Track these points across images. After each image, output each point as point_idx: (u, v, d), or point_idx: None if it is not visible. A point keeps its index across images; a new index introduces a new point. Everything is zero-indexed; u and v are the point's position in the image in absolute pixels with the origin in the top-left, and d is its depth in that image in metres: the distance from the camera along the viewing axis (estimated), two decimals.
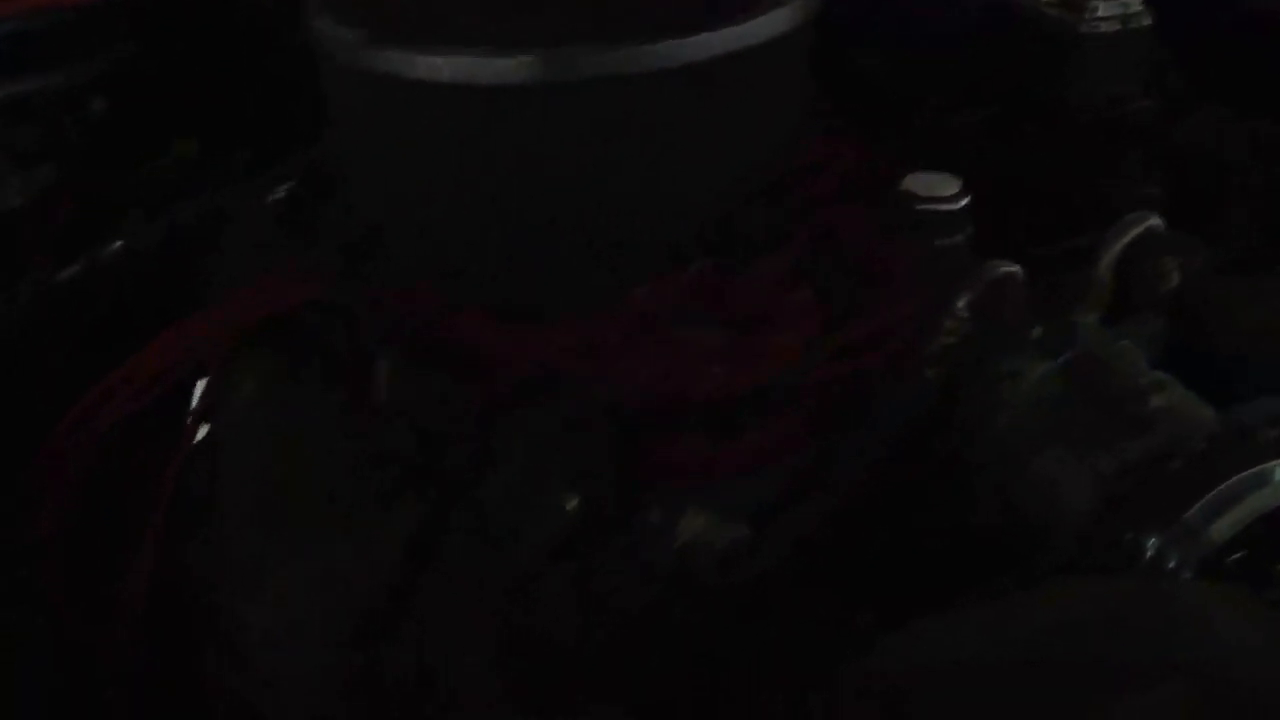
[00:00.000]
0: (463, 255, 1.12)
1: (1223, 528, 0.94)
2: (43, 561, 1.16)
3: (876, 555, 1.03)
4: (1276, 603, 0.94)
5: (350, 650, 1.02)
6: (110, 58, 1.42)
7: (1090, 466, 1.00)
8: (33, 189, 1.38)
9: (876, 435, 1.04)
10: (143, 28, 1.44)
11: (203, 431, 1.15)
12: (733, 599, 0.98)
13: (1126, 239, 1.14)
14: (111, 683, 1.12)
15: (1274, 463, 0.95)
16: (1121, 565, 0.94)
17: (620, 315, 1.06)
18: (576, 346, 1.05)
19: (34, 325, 1.30)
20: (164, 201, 1.33)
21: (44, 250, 1.34)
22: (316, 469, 1.06)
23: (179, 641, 1.12)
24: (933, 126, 1.33)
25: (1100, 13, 1.28)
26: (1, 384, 1.26)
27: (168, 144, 1.41)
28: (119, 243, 1.31)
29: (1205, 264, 1.15)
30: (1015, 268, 1.08)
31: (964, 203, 1.12)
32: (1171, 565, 0.93)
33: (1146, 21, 1.29)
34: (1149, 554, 0.93)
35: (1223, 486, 0.94)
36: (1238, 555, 0.95)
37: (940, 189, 1.12)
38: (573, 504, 0.99)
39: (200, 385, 1.15)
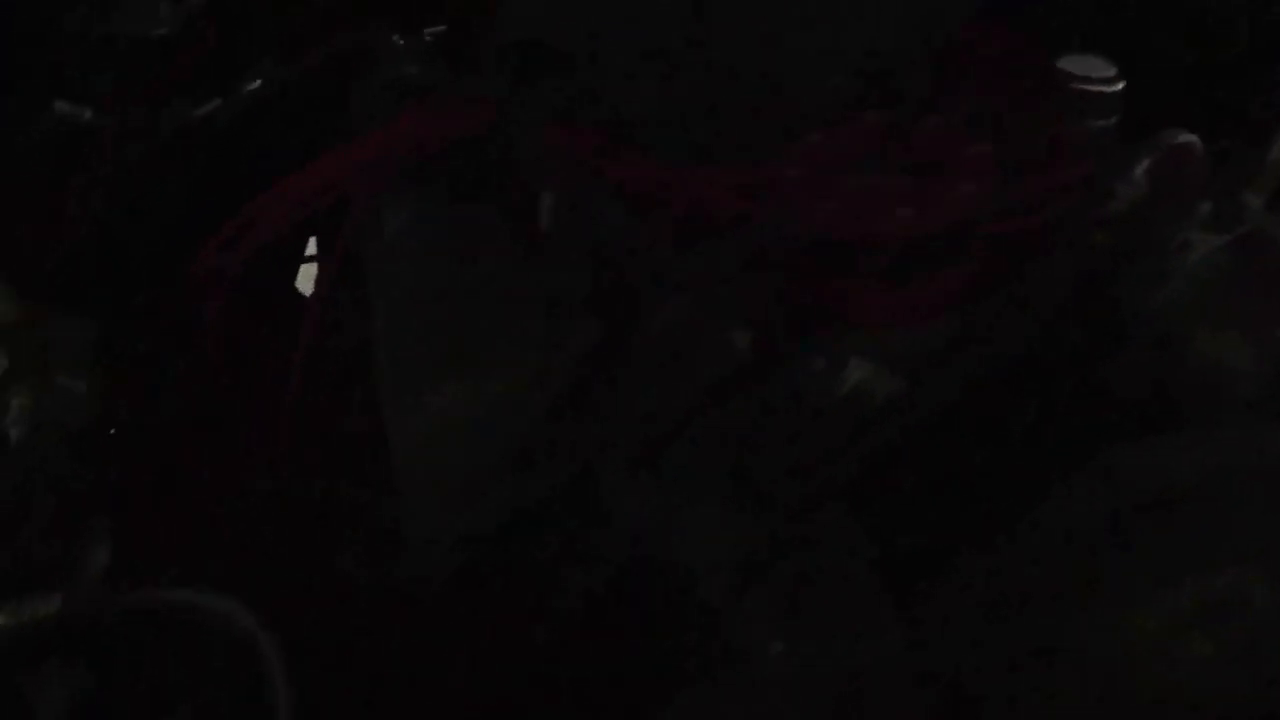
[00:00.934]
0: (629, 99, 1.11)
1: None
2: (207, 377, 1.16)
3: (1032, 416, 1.02)
4: None
5: (505, 473, 1.03)
6: None
7: (1254, 343, 1.00)
8: (180, 19, 1.37)
9: (1042, 297, 1.04)
10: None
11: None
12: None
13: None
14: (264, 499, 1.13)
15: None
16: None
17: (794, 159, 1.05)
18: (744, 187, 1.04)
19: (176, 155, 1.30)
20: (312, 36, 1.32)
21: (188, 79, 1.33)
22: (482, 294, 1.06)
23: (325, 461, 1.13)
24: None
25: None
26: (142, 211, 1.26)
27: None
28: (261, 78, 1.31)
29: None
30: (1194, 137, 1.07)
31: (1119, 85, 1.11)
32: None
33: None
34: None
35: None
36: None
37: (1097, 70, 1.11)
38: (744, 341, 0.99)
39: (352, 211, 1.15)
